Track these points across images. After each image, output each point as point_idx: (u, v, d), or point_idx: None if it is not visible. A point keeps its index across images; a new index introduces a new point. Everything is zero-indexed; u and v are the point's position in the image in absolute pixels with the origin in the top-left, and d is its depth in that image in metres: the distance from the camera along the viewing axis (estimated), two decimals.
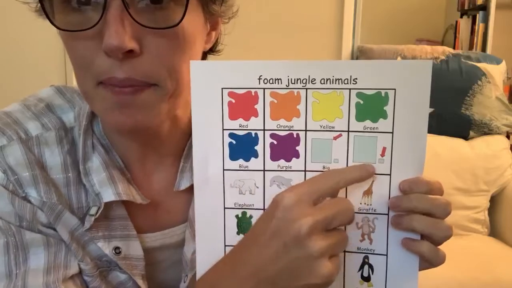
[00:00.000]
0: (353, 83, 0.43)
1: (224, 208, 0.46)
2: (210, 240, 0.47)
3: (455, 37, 2.69)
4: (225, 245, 0.47)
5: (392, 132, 0.44)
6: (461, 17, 2.74)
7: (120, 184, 0.52)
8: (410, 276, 0.46)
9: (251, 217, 0.46)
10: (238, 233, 0.46)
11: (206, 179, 0.46)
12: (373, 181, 0.45)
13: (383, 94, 0.43)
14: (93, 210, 0.51)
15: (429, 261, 0.45)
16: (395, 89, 0.43)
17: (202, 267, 0.47)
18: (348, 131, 0.44)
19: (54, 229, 0.51)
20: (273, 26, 2.05)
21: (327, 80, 0.43)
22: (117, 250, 0.52)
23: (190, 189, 0.56)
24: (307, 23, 2.09)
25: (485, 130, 1.83)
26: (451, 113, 1.80)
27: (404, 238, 0.45)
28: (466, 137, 1.84)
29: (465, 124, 1.83)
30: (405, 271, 0.46)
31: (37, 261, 0.48)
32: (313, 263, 0.40)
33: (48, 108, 0.54)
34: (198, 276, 0.47)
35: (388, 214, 0.46)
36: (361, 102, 0.44)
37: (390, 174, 0.45)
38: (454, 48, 2.53)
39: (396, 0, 3.21)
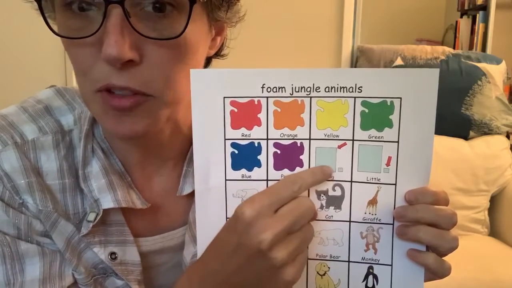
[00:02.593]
0: (358, 91, 0.43)
1: (226, 218, 0.46)
2: None
3: (455, 37, 2.70)
4: None
5: (398, 142, 0.43)
6: (461, 17, 2.74)
7: (120, 191, 0.52)
8: (415, 287, 0.46)
9: None
10: None
11: (208, 189, 0.45)
12: (378, 190, 0.45)
13: (388, 103, 0.43)
14: (91, 216, 0.51)
15: (434, 273, 0.45)
16: (400, 98, 0.43)
17: None
18: (353, 140, 0.44)
19: (50, 237, 0.50)
20: (273, 26, 2.04)
21: (331, 88, 0.43)
22: (113, 256, 0.52)
23: (191, 192, 0.56)
24: (307, 23, 2.09)
25: (485, 130, 1.83)
26: (451, 113, 1.80)
27: (409, 250, 0.45)
28: (466, 137, 1.84)
29: (465, 124, 1.83)
30: (410, 282, 0.46)
31: (33, 272, 0.48)
32: (277, 272, 0.41)
33: (46, 110, 0.54)
34: None
35: (393, 224, 0.45)
36: (366, 110, 0.43)
37: (395, 184, 0.44)
38: (454, 48, 2.53)
39: (396, 0, 3.20)
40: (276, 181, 0.43)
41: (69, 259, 0.51)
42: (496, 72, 1.85)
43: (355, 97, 0.43)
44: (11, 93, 1.84)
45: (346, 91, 0.43)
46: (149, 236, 0.56)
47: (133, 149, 0.54)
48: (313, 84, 0.43)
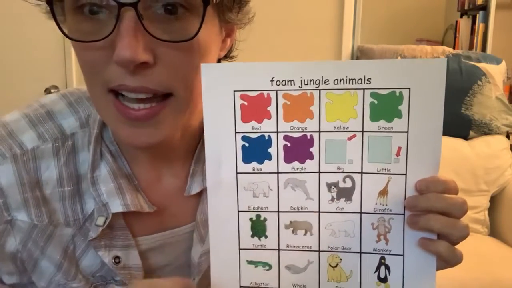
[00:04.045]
0: (367, 83, 0.43)
1: (238, 211, 0.46)
2: (224, 243, 0.46)
3: (455, 37, 2.70)
4: (239, 248, 0.46)
5: (407, 132, 0.44)
6: (461, 17, 2.74)
7: (128, 194, 0.52)
8: (427, 277, 0.45)
9: (265, 219, 0.46)
10: (252, 236, 0.46)
11: (219, 183, 0.45)
12: (388, 181, 0.45)
13: (397, 94, 0.43)
14: (100, 221, 0.51)
15: (446, 261, 0.45)
16: (409, 88, 0.43)
17: (216, 270, 0.47)
18: (363, 131, 0.44)
19: (21, 259, 0.51)
20: (273, 27, 2.04)
21: (340, 80, 0.43)
22: (116, 260, 0.52)
23: (198, 192, 0.56)
24: (307, 23, 2.09)
25: (485, 130, 1.84)
26: (451, 113, 1.80)
27: (421, 238, 0.45)
28: (466, 137, 1.84)
29: (465, 124, 1.83)
30: (422, 271, 0.45)
31: None
32: None
33: (48, 115, 0.53)
34: (212, 279, 0.47)
35: (404, 214, 0.45)
36: (375, 102, 0.43)
37: (405, 174, 0.44)
38: (454, 48, 2.53)
39: (396, 0, 3.20)
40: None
41: (66, 269, 0.51)
42: (496, 72, 1.85)
43: (364, 89, 0.43)
44: (11, 93, 1.84)
45: (355, 83, 0.43)
46: (149, 235, 0.56)
47: (142, 150, 0.54)
48: (322, 76, 0.43)
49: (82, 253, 0.52)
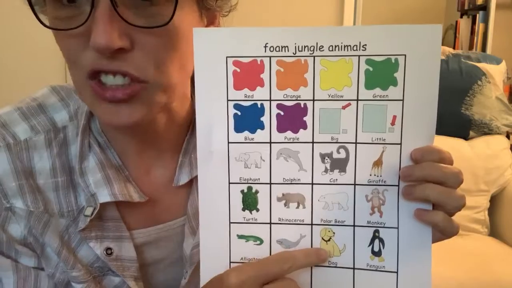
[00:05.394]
0: (362, 50, 0.42)
1: (229, 183, 0.45)
2: (214, 217, 0.45)
3: (455, 37, 2.70)
4: (229, 222, 0.45)
5: (403, 100, 0.43)
6: (461, 17, 2.74)
7: (116, 184, 0.52)
8: (423, 249, 0.44)
9: (256, 192, 0.45)
10: (243, 209, 0.45)
11: (210, 153, 0.44)
12: (383, 151, 0.44)
13: (393, 60, 0.42)
14: (88, 211, 0.51)
15: (443, 232, 0.44)
16: (405, 55, 0.42)
17: (206, 245, 0.45)
18: (357, 99, 0.43)
19: (29, 245, 0.51)
20: (273, 26, 2.04)
21: (335, 47, 0.42)
22: (108, 251, 0.52)
23: (189, 184, 0.56)
24: (307, 23, 2.09)
25: (485, 130, 1.83)
26: (451, 113, 1.80)
27: (416, 209, 0.44)
28: (466, 137, 1.84)
29: (465, 124, 1.82)
30: (417, 244, 0.44)
31: (8, 286, 0.49)
32: None
33: (40, 108, 0.54)
34: (201, 255, 0.46)
35: (398, 186, 0.44)
36: (371, 69, 0.42)
37: (400, 144, 0.43)
38: (454, 48, 2.53)
39: (396, 0, 3.21)
40: (270, 255, 0.44)
41: (66, 258, 0.51)
42: (496, 72, 1.84)
43: (359, 56, 0.42)
44: (11, 93, 1.84)
45: (350, 50, 0.42)
46: (144, 228, 0.56)
47: (130, 141, 0.54)
48: (317, 43, 0.42)
49: (78, 244, 0.52)
